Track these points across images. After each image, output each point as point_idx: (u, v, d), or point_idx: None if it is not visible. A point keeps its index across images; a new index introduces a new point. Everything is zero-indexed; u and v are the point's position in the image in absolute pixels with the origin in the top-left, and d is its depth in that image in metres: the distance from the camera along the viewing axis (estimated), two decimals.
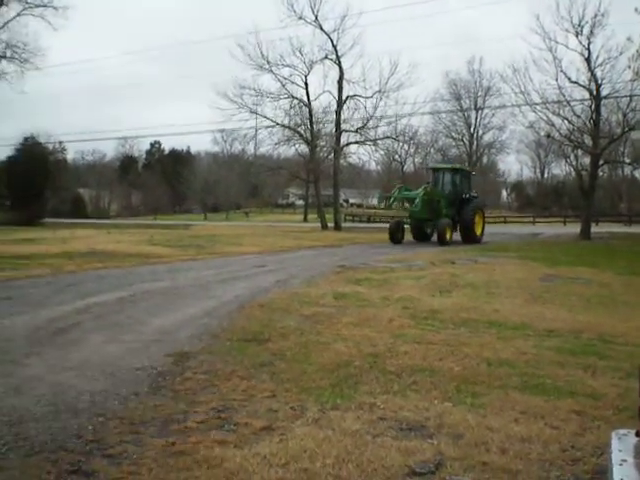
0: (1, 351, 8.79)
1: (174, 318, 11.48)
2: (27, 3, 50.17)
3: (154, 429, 6.04)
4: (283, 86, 52.96)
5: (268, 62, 51.58)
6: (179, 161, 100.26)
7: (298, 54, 53.38)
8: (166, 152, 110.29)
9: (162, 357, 8.66)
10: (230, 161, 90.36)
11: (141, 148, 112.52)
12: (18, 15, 50.39)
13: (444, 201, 33.13)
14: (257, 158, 68.54)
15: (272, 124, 54.45)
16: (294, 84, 53.32)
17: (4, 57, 50.85)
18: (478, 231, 34.16)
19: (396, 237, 33.23)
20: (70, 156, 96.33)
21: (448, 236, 31.80)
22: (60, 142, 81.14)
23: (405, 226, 34.47)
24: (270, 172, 64.82)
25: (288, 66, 52.64)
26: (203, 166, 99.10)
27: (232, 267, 20.99)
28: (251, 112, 53.16)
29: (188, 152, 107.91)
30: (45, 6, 50.02)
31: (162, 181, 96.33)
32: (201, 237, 36.63)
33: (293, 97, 53.51)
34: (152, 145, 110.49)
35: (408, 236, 34.56)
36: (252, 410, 6.55)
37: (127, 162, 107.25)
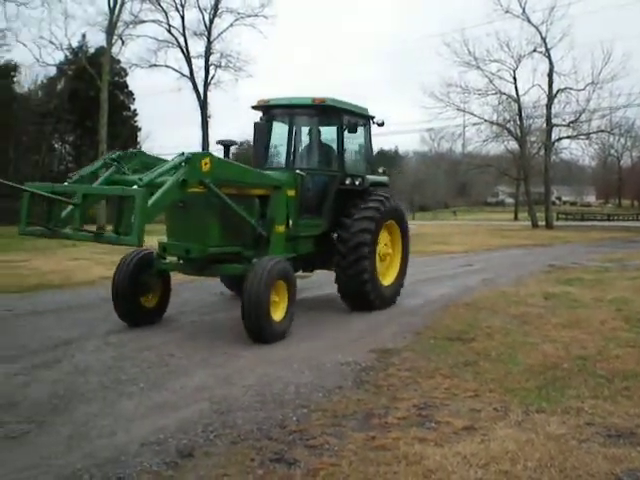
0: (220, 344, 9.22)
1: (378, 315, 11.55)
2: (239, 14, 52.65)
3: (355, 423, 6.09)
4: (490, 82, 52.08)
5: (475, 58, 50.98)
6: (387, 161, 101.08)
7: (505, 49, 52.35)
8: (374, 153, 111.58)
9: (366, 353, 8.73)
10: (437, 160, 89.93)
11: None
12: (231, 26, 53.02)
13: None
14: (465, 156, 67.73)
15: (480, 121, 53.74)
16: (502, 79, 52.29)
17: (219, 66, 53.62)
18: None
19: None
20: None
21: None
22: None
23: None
24: (478, 170, 63.83)
25: (495, 61, 51.74)
26: (411, 166, 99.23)
27: (438, 266, 20.84)
28: (458, 110, 52.77)
29: (396, 152, 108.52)
30: (256, 15, 52.25)
31: None
32: None
33: (501, 93, 52.45)
34: None
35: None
36: (454, 409, 6.44)
37: None
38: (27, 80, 61.45)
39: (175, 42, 52.32)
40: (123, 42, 48.06)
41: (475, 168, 62.93)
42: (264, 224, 10.36)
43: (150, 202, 7.84)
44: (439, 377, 7.56)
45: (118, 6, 44.02)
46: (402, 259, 13.15)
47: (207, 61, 53.36)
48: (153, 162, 9.60)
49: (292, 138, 12.49)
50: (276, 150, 12.80)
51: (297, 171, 11.46)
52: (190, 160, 8.54)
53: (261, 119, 12.21)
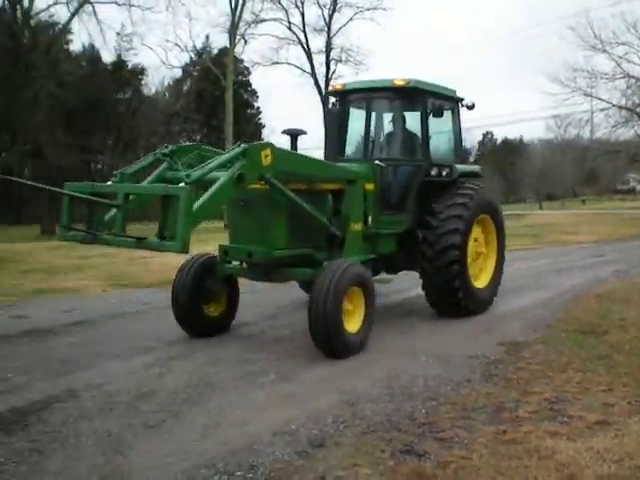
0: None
1: (507, 308, 11.35)
2: (358, 8, 52.71)
3: (485, 416, 6.04)
4: (618, 65, 49.90)
5: (601, 41, 49.01)
6: (512, 150, 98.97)
7: (632, 30, 50.06)
8: (498, 142, 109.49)
9: (494, 346, 8.62)
10: (564, 147, 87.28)
11: (473, 140, 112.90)
12: (350, 20, 53.15)
13: None
14: (593, 142, 65.39)
15: (608, 106, 51.65)
16: (630, 62, 50.05)
17: (340, 61, 53.84)
18: None
19: None
20: None
21: None
22: None
23: None
24: (607, 156, 61.47)
25: (623, 44, 49.55)
26: (537, 154, 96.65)
27: (568, 256, 20.25)
28: (585, 95, 50.90)
29: (521, 141, 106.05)
30: (375, 8, 52.17)
31: (495, 171, 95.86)
32: (536, 226, 35.76)
33: (630, 76, 50.20)
34: (484, 136, 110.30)
35: None
36: (586, 403, 6.29)
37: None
38: (154, 82, 63.78)
39: (296, 39, 52.98)
40: (245, 41, 49.06)
41: (603, 154, 60.62)
42: (338, 222, 9.32)
43: (198, 203, 6.89)
44: (571, 371, 7.39)
45: (239, 6, 45.00)
46: (498, 257, 11.61)
47: (328, 56, 53.70)
48: (212, 156, 8.46)
49: (370, 125, 11.38)
50: (353, 139, 11.54)
51: (376, 162, 10.28)
52: (247, 152, 7.52)
53: (333, 104, 11.40)
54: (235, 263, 9.47)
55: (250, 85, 64.10)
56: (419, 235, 10.28)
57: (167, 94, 64.52)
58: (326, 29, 53.42)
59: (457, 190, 10.57)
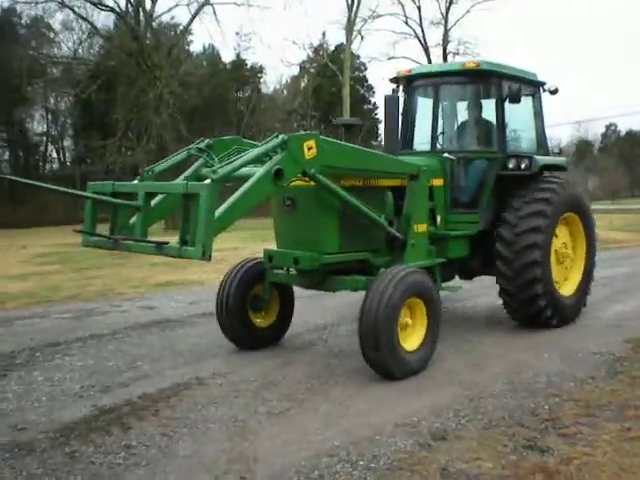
0: (462, 331, 9.32)
1: (635, 304, 11.02)
2: None
3: (609, 413, 5.93)
4: None
5: None
6: (637, 142, 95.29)
7: None
8: (622, 134, 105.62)
9: (621, 343, 8.42)
10: None
11: (596, 132, 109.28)
12: (467, 12, 52.47)
13: None
14: None
15: None
16: None
17: (457, 54, 53.22)
18: None
19: None
20: None
21: None
22: None
23: None
24: None
25: None
26: None
27: None
28: None
29: None
30: None
31: (619, 164, 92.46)
32: None
33: None
34: (607, 128, 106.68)
35: None
36: None
37: (582, 147, 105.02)
38: (272, 80, 64.80)
39: (412, 33, 52.80)
40: (362, 37, 49.22)
41: None
42: (399, 223, 8.26)
43: (228, 203, 6.11)
44: None
45: (356, 2, 45.18)
46: (587, 260, 10.17)
47: (445, 50, 53.24)
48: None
49: (438, 114, 10.01)
50: (420, 130, 10.29)
51: (445, 154, 9.26)
52: (287, 143, 6.56)
53: (394, 91, 10.01)
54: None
55: (367, 80, 64.25)
56: (495, 234, 9.13)
57: (285, 91, 65.48)
58: (443, 22, 53.01)
59: (539, 184, 9.31)
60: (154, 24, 43.05)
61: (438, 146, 9.93)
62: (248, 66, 59.49)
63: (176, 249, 6.10)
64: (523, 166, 9.26)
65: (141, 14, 41.02)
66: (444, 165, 9.16)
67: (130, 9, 40.81)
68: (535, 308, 9.00)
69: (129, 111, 42.66)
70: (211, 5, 41.51)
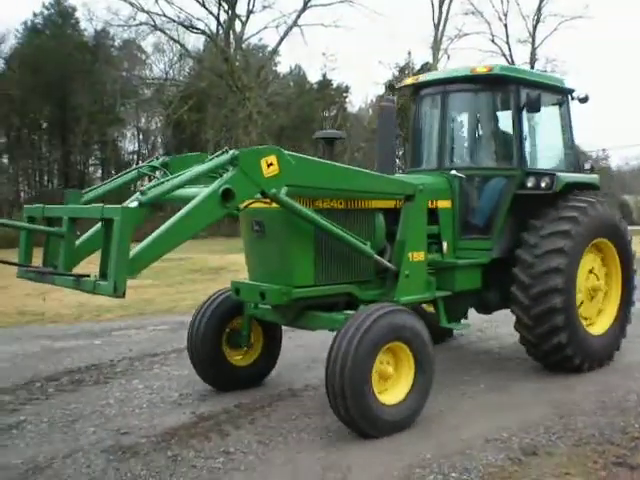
0: None
1: None
2: (562, 17, 51.54)
3: None
4: None
5: None
6: None
7: None
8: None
9: None
10: None
11: None
12: (554, 30, 52.07)
13: None
14: None
15: None
16: None
17: (545, 72, 52.74)
18: None
19: None
20: (614, 163, 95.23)
21: None
22: (603, 149, 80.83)
23: None
24: None
25: None
26: None
27: None
28: None
29: None
30: (580, 17, 50.95)
31: None
32: None
33: None
34: None
35: None
36: None
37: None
38: (358, 99, 65.22)
39: (499, 51, 52.56)
40: (448, 56, 49.33)
41: None
42: (392, 251, 7.16)
43: (161, 229, 5.26)
44: None
45: (442, 22, 45.31)
46: (623, 297, 8.70)
47: (532, 68, 52.71)
48: None
49: (446, 127, 8.62)
50: (428, 146, 9.06)
51: (453, 172, 8.11)
52: (239, 159, 5.60)
53: (387, 99, 8.24)
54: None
55: None
56: (515, 257, 7.88)
57: (371, 110, 65.82)
58: (530, 40, 52.59)
59: (566, 203, 8.02)
60: (243, 46, 44.10)
61: (447, 163, 8.56)
62: (334, 86, 60.10)
63: (91, 284, 5.14)
64: (543, 185, 8.00)
65: (231, 36, 42.09)
66: (452, 184, 8.06)
67: (220, 31, 41.91)
68: (554, 343, 7.65)
69: (219, 131, 43.68)
70: (299, 27, 42.30)
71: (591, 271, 8.32)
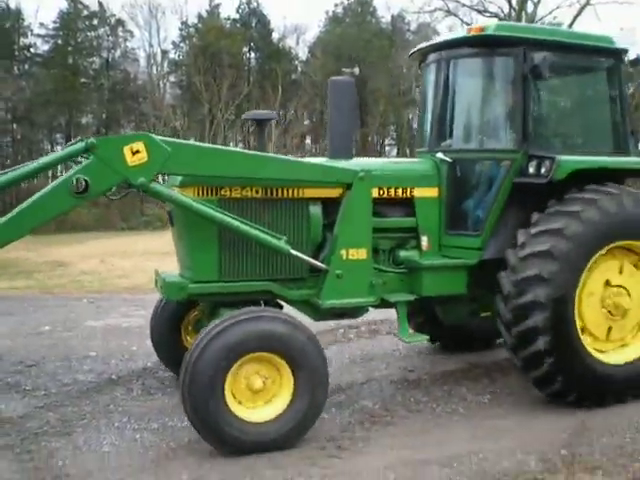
0: None
1: None
2: None
3: None
4: None
5: None
6: None
7: None
8: None
9: None
10: None
11: None
12: None
13: None
14: None
15: None
16: None
17: None
18: None
19: None
20: None
21: None
22: None
23: None
24: None
25: None
26: None
27: None
28: None
29: None
30: None
31: None
32: None
33: None
34: None
35: None
36: None
37: None
38: None
39: None
40: None
41: None
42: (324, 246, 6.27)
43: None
44: None
45: None
46: None
47: None
48: None
49: (438, 101, 7.11)
50: (424, 122, 7.62)
51: (438, 155, 6.80)
52: (97, 148, 5.18)
53: (350, 73, 6.42)
54: None
55: None
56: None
57: None
58: None
59: (572, 194, 6.28)
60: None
61: (438, 144, 7.08)
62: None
63: None
64: (543, 171, 6.36)
65: (523, 18, 42.07)
66: (440, 169, 6.82)
67: (513, 13, 42.07)
68: (540, 372, 6.08)
69: None
70: (592, 5, 41.17)
71: (608, 282, 6.40)
